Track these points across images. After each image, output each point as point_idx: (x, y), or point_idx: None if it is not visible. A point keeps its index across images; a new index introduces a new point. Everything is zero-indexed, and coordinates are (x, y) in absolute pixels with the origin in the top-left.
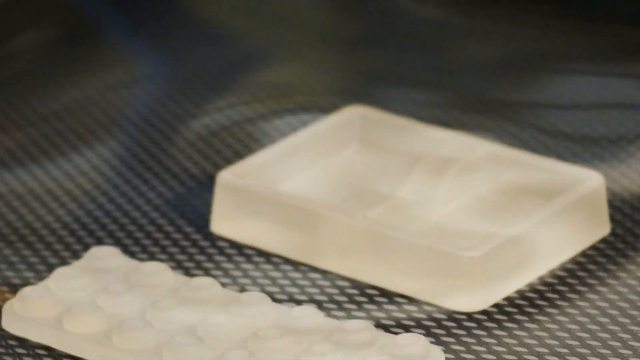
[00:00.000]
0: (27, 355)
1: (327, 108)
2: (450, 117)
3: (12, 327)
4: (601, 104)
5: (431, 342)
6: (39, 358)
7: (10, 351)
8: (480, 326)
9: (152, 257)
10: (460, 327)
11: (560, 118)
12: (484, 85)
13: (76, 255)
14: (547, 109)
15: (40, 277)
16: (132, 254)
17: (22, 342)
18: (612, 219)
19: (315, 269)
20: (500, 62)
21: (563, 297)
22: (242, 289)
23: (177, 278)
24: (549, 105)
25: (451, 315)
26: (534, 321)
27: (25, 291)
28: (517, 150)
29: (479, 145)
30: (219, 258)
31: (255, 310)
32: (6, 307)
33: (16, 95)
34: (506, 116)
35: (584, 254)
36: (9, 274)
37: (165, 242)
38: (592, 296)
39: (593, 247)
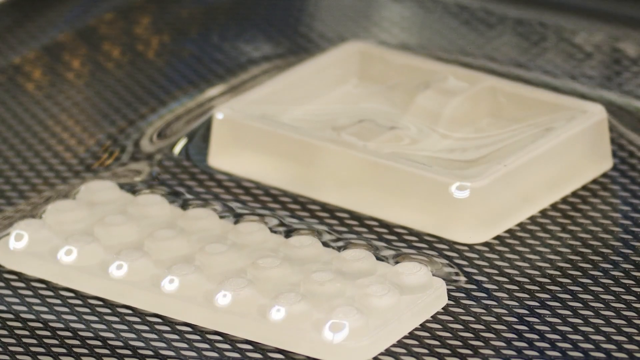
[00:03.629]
0: (24, 288)
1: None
2: None
3: (8, 261)
4: None
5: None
6: (35, 291)
7: (7, 285)
8: (482, 257)
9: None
10: (462, 257)
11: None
12: None
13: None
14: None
15: (36, 210)
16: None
17: (19, 276)
18: (615, 155)
19: (314, 202)
20: None
21: (564, 230)
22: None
23: (174, 209)
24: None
25: (452, 247)
26: (535, 252)
27: (21, 225)
28: (518, 83)
29: (479, 78)
30: (216, 191)
31: (253, 239)
32: (2, 241)
33: None
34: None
35: (585, 187)
36: (5, 208)
37: (163, 176)
38: (594, 228)
39: (595, 181)
